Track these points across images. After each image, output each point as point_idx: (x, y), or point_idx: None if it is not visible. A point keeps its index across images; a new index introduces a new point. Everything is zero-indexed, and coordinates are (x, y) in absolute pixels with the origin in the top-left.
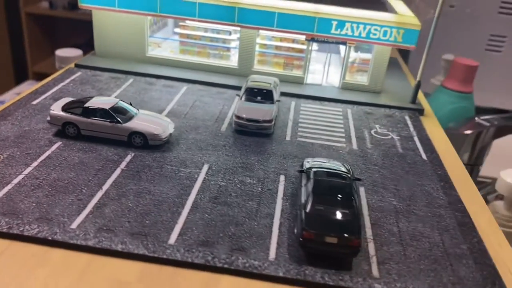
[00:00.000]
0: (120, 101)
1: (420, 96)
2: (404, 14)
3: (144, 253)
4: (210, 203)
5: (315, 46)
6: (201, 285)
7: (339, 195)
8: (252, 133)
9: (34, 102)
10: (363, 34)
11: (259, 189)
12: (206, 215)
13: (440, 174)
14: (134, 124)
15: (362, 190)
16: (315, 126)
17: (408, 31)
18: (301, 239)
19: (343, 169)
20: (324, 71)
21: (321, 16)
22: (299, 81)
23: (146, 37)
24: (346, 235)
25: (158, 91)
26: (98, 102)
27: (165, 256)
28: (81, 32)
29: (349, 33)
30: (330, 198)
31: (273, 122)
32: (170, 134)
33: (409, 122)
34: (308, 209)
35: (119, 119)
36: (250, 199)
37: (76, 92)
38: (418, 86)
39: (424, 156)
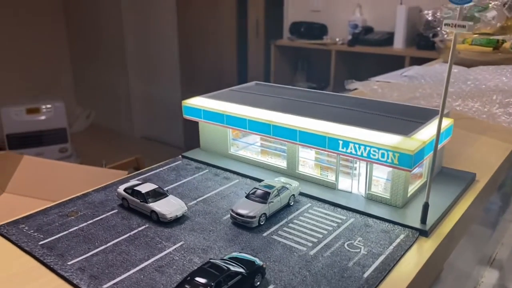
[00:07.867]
0: (157, 188)
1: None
2: (414, 138)
3: None
4: (153, 269)
5: None
6: None
7: (205, 280)
8: (240, 225)
9: (130, 180)
10: (365, 154)
11: (196, 267)
12: (142, 276)
13: None
14: (153, 205)
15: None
16: (301, 228)
17: (402, 155)
18: None
19: (245, 264)
20: (352, 180)
21: (330, 136)
22: (332, 186)
23: (229, 139)
24: None
25: (215, 181)
26: (143, 186)
27: None
28: None
29: (353, 151)
30: (196, 281)
31: (256, 218)
32: (176, 216)
33: (397, 241)
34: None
35: (147, 199)
36: (181, 273)
37: (163, 177)
38: (425, 207)
39: (366, 274)
